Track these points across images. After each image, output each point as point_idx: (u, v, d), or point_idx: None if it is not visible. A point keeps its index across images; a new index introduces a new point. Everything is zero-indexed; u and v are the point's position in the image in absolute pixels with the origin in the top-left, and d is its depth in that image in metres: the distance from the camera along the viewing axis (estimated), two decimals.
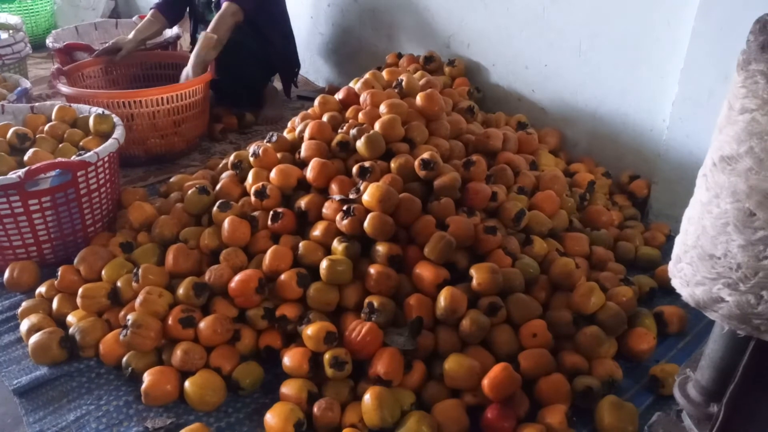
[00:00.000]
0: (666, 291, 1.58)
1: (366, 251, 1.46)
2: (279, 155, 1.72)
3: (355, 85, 1.92)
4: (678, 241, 0.83)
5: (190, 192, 1.70)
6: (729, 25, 1.54)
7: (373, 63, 2.68)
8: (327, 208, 1.53)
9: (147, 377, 1.29)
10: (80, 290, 1.47)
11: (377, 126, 1.64)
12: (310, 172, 1.60)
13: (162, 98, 2.23)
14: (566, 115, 2.14)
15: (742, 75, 0.70)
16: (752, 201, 0.69)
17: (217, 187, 1.74)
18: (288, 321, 1.38)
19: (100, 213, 1.77)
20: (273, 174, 1.63)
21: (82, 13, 4.29)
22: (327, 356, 1.28)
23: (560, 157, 2.07)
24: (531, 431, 1.15)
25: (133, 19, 3.22)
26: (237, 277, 1.41)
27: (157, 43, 2.85)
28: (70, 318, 1.48)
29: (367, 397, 1.20)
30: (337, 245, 1.44)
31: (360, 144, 1.61)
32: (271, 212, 1.57)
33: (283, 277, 1.42)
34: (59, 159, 1.63)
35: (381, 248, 1.42)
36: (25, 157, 1.73)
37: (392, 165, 1.58)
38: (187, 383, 1.28)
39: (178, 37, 2.97)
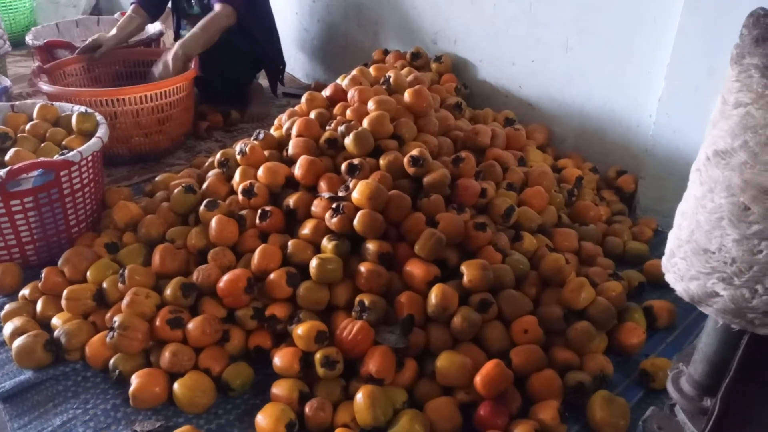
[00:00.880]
0: (654, 285, 1.59)
1: (356, 249, 1.45)
2: (266, 153, 1.70)
3: (343, 81, 1.90)
4: (671, 235, 0.83)
5: (176, 191, 1.68)
6: (715, 20, 1.55)
7: (359, 59, 2.67)
8: (316, 206, 1.51)
9: (135, 380, 1.27)
10: (65, 292, 1.45)
11: (366, 123, 1.63)
12: (298, 170, 1.59)
13: (146, 96, 2.21)
14: (553, 110, 2.15)
15: (736, 69, 0.70)
16: (747, 195, 0.68)
17: (204, 185, 1.71)
18: (278, 321, 1.37)
19: (84, 213, 1.74)
20: (260, 172, 1.61)
21: (63, 9, 4.23)
22: (318, 356, 1.27)
23: (548, 152, 2.08)
24: (524, 427, 1.15)
25: (115, 15, 3.18)
26: (225, 277, 1.39)
27: (140, 40, 2.81)
28: (55, 320, 1.44)
29: (359, 397, 1.19)
30: (327, 243, 1.43)
31: (348, 141, 1.60)
32: (259, 211, 1.55)
33: (272, 276, 1.40)
34: (42, 158, 1.61)
35: (371, 246, 1.41)
36: (6, 157, 1.69)
37: (381, 162, 1.57)
38: (175, 385, 1.27)
39: (161, 34, 2.93)
